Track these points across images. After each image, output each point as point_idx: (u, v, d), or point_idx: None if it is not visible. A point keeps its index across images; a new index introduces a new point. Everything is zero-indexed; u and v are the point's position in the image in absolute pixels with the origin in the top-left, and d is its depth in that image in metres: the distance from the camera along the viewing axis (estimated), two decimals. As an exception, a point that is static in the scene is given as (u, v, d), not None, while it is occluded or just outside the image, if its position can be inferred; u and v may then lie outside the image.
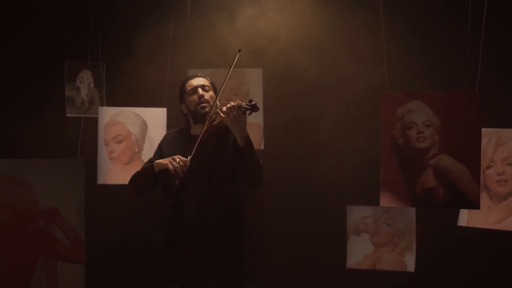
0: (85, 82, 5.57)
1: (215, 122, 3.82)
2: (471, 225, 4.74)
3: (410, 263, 5.13)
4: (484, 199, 4.49)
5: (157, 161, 4.00)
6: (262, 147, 5.38)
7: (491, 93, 4.52)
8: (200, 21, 5.51)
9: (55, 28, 5.59)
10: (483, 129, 4.31)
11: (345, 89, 5.30)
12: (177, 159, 3.81)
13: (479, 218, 4.69)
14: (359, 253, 5.20)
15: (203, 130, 3.85)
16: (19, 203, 2.94)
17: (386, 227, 5.22)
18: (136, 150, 5.20)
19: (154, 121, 5.21)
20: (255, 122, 5.44)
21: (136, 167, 4.89)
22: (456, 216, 4.88)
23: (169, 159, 3.85)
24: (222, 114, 3.72)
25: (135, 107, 5.26)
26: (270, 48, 5.44)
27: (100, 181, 5.17)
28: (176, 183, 3.77)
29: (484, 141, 4.48)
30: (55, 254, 2.91)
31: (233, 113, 3.65)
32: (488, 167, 4.54)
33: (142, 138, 5.21)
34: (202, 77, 4.17)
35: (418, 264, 5.04)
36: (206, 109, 3.97)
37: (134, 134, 5.20)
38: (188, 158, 3.80)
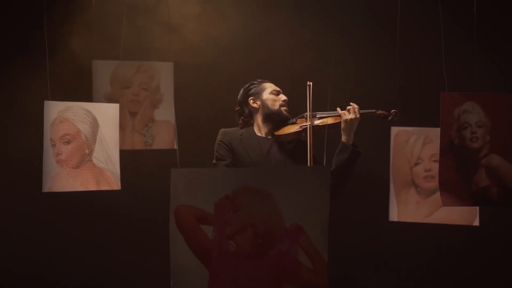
0: None
1: (330, 122, 3.56)
2: (402, 220, 4.99)
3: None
4: (412, 195, 4.79)
5: None
6: (176, 146, 5.06)
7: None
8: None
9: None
10: (411, 128, 4.73)
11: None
12: None
13: (409, 213, 4.96)
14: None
15: (309, 134, 3.57)
16: (263, 221, 2.39)
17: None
18: (87, 151, 4.46)
19: (106, 118, 4.53)
20: (165, 120, 5.07)
21: (86, 172, 4.32)
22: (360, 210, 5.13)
23: None
24: (342, 113, 3.66)
25: (85, 102, 4.58)
26: (182, 40, 5.24)
27: (46, 188, 4.38)
28: None
29: (412, 139, 4.79)
30: (299, 281, 2.41)
31: (357, 115, 3.66)
32: (416, 164, 4.85)
33: (93, 138, 4.49)
34: None
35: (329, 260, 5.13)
36: (287, 114, 3.93)
37: (84, 133, 4.47)
38: None
